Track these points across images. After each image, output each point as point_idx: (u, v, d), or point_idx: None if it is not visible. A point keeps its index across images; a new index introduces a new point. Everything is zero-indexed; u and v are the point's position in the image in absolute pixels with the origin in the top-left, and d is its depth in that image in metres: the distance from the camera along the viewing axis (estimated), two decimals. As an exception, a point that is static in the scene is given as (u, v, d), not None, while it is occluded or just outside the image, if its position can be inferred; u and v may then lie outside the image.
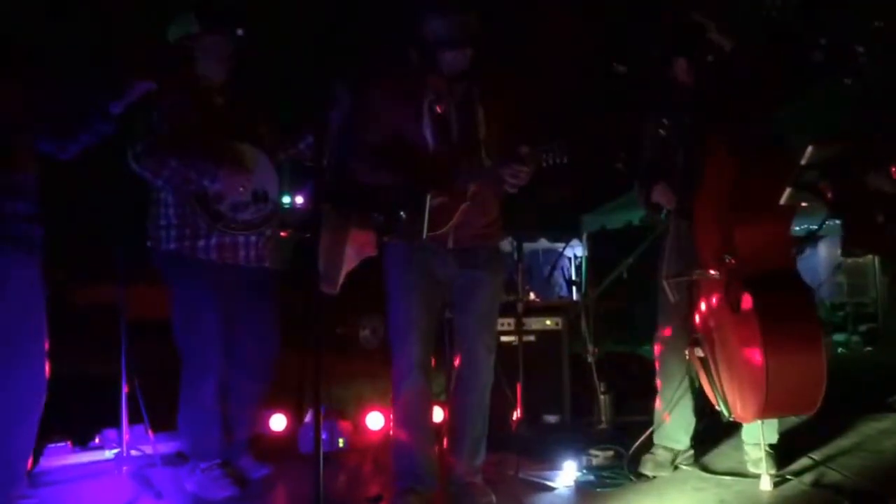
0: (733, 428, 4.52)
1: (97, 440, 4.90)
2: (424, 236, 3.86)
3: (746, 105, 4.12)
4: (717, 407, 4.13)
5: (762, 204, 3.88)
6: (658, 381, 4.55)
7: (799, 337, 3.77)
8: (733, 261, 3.89)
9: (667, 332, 4.48)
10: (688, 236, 4.28)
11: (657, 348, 4.54)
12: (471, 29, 3.85)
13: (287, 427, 5.33)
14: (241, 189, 4.20)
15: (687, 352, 4.22)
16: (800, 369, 3.74)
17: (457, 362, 4.12)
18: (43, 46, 3.95)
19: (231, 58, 4.34)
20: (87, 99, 3.75)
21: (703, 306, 4.17)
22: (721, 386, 4.06)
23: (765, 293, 3.79)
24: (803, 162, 3.72)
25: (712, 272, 4.05)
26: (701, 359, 4.13)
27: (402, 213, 3.86)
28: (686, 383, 4.40)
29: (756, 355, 3.72)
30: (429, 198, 3.84)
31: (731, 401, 4.03)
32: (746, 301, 3.81)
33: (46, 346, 3.80)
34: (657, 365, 4.56)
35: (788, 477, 4.15)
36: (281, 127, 4.53)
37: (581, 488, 4.29)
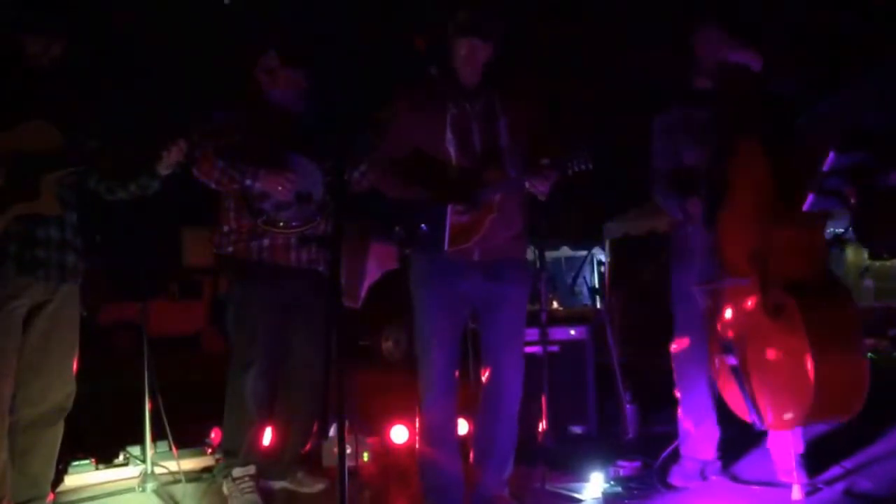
0: (762, 436, 4.47)
1: (121, 458, 4.90)
2: (445, 249, 3.85)
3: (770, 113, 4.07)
4: (747, 417, 4.06)
5: (798, 209, 3.85)
6: (677, 392, 4.51)
7: (844, 342, 3.75)
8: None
9: (684, 341, 4.43)
10: (710, 243, 4.22)
11: (675, 358, 4.49)
12: (491, 21, 3.90)
13: (311, 441, 5.30)
14: (280, 188, 4.33)
15: (717, 360, 4.17)
16: (845, 375, 3.72)
17: (485, 377, 4.09)
18: (91, 89, 4.05)
19: (304, 89, 4.57)
20: (138, 152, 3.85)
21: (727, 314, 4.11)
22: (752, 394, 4.00)
23: (807, 299, 3.75)
24: (826, 168, 3.68)
25: (746, 279, 4.00)
26: (731, 367, 4.07)
27: (422, 226, 3.86)
28: (708, 392, 4.35)
29: (802, 361, 3.66)
30: (449, 211, 3.83)
31: (763, 409, 3.97)
32: (790, 307, 3.75)
33: (75, 366, 3.90)
34: (675, 375, 4.51)
35: (820, 486, 4.10)
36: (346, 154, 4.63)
37: (609, 500, 4.25)
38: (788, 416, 3.84)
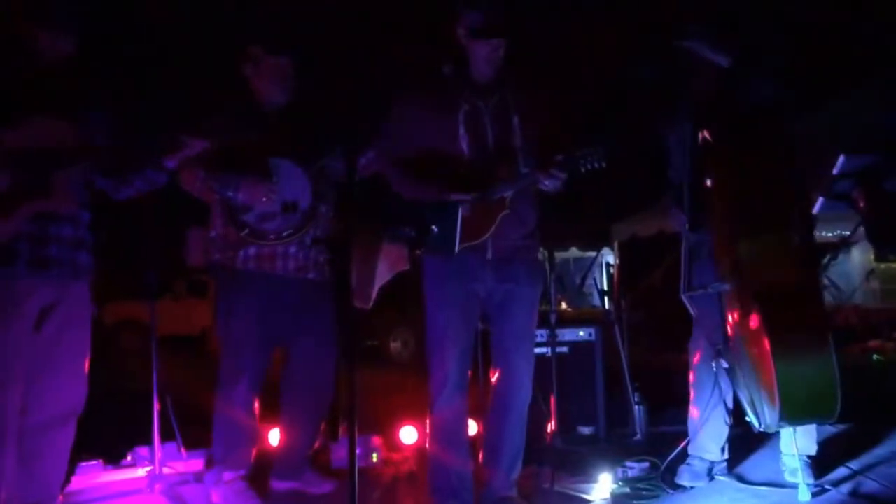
0: (769, 438, 4.48)
1: (129, 458, 4.90)
2: (456, 250, 3.84)
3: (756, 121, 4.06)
4: (747, 417, 4.08)
5: (765, 215, 3.86)
6: (692, 392, 4.52)
7: (807, 346, 3.74)
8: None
9: (700, 342, 4.44)
10: (702, 250, 4.24)
11: (692, 359, 4.50)
12: (505, 17, 3.87)
13: (319, 442, 5.31)
14: (264, 199, 4.24)
15: (713, 363, 4.18)
16: (812, 378, 3.71)
17: (494, 377, 4.10)
18: (103, 87, 4.04)
19: (291, 79, 4.47)
20: (144, 147, 3.83)
21: (730, 318, 4.12)
22: (749, 395, 4.01)
23: (771, 304, 3.76)
24: (835, 171, 3.68)
25: (726, 286, 4.02)
26: (727, 369, 4.09)
27: (433, 227, 3.86)
28: (718, 394, 4.36)
29: (768, 365, 3.69)
30: (460, 212, 3.83)
31: (758, 410, 3.98)
32: (755, 314, 3.77)
33: (87, 366, 3.86)
34: (691, 375, 4.52)
35: (826, 487, 4.10)
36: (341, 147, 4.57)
37: (617, 501, 4.25)
38: (771, 417, 3.85)
